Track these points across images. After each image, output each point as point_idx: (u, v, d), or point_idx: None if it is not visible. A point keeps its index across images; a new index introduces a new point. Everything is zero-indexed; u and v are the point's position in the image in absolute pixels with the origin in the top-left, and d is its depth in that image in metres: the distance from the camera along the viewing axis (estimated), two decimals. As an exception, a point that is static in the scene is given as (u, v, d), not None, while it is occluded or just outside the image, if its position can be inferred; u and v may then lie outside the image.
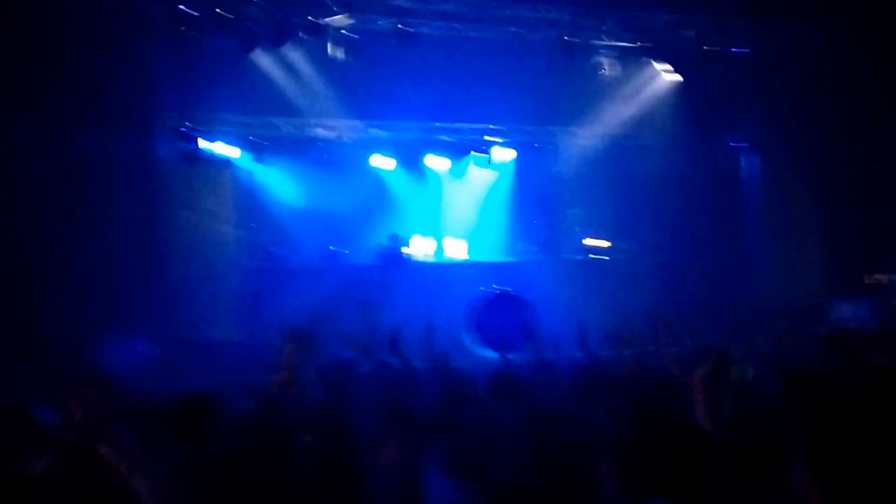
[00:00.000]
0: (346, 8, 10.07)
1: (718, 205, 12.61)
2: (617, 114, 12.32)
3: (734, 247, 12.54)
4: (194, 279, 10.12)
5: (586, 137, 12.72)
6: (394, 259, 10.52)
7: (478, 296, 10.19)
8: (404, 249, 11.02)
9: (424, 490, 3.65)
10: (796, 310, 10.69)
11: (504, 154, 12.49)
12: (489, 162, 12.39)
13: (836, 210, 12.11)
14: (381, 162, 11.98)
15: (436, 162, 12.42)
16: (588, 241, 11.81)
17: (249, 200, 11.30)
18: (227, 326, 10.07)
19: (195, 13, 9.28)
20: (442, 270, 11.10)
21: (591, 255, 11.70)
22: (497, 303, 10.12)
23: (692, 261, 12.02)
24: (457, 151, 12.40)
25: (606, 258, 11.70)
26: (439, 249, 11.73)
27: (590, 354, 6.34)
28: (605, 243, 11.77)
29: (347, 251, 11.10)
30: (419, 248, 11.32)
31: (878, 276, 10.69)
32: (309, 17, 10.05)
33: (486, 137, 12.42)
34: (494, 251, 12.30)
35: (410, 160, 12.23)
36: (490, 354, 8.76)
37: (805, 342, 7.78)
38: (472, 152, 12.40)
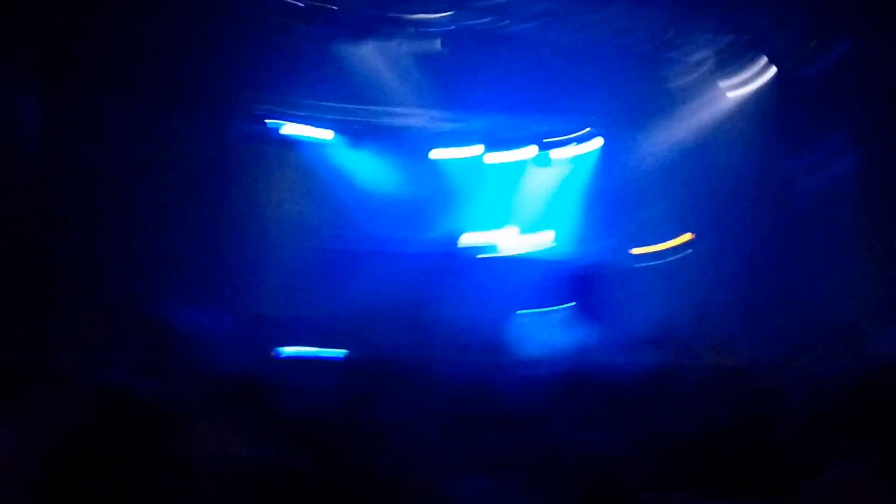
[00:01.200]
0: (445, 4, 9.98)
1: (800, 212, 12.09)
2: (703, 113, 11.99)
3: (815, 255, 12.03)
4: (265, 257, 10.52)
5: (672, 136, 12.43)
6: (462, 250, 10.70)
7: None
8: (471, 239, 11.14)
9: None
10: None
11: (580, 149, 12.40)
12: (563, 153, 12.26)
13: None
14: (461, 152, 12.06)
15: (515, 155, 12.41)
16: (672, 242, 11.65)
17: (323, 182, 11.57)
18: (293, 303, 10.44)
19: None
20: (516, 264, 11.18)
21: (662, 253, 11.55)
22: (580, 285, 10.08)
23: (768, 266, 11.67)
24: (536, 146, 12.39)
25: (690, 251, 11.52)
26: (505, 240, 11.78)
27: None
28: (687, 236, 11.59)
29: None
30: (486, 237, 11.43)
31: None
32: (399, 6, 10.02)
33: (555, 138, 12.47)
34: (566, 247, 12.30)
35: (493, 151, 12.26)
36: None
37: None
38: (545, 148, 12.42)
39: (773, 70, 11.60)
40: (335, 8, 9.90)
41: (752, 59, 11.59)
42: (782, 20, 11.23)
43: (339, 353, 7.78)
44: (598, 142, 12.54)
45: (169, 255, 9.22)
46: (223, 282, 9.52)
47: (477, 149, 12.30)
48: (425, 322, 8.71)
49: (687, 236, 11.65)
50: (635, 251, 12.03)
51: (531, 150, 12.55)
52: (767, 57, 11.55)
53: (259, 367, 5.91)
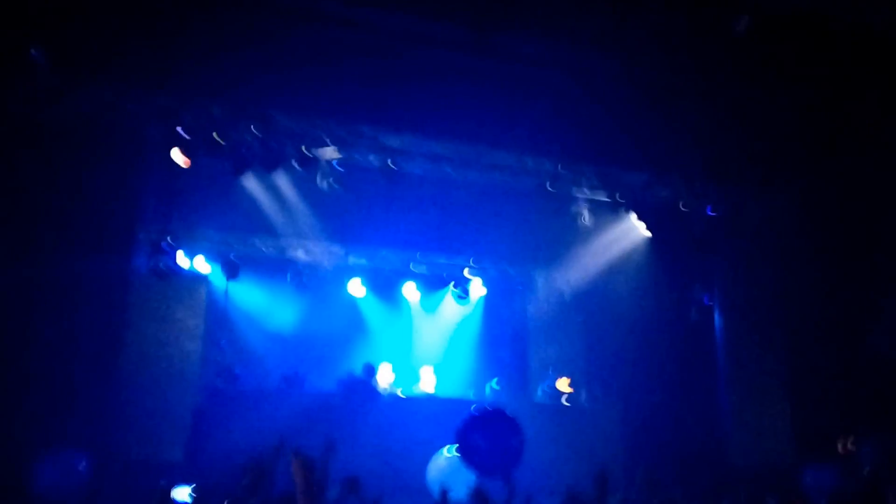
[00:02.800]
0: (338, 142, 10.17)
1: (686, 356, 12.62)
2: (592, 260, 12.58)
3: (703, 400, 12.40)
4: (149, 395, 9.82)
5: (559, 280, 12.78)
6: (359, 388, 10.18)
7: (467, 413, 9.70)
8: (370, 377, 10.70)
9: None
10: (764, 472, 10.43)
11: (476, 289, 12.50)
12: (461, 296, 12.34)
13: (805, 371, 12.12)
14: (356, 289, 11.90)
15: (409, 292, 12.37)
16: (557, 384, 11.55)
17: (220, 317, 11.09)
18: (176, 445, 9.62)
19: (187, 137, 9.31)
20: (408, 403, 10.77)
21: (557, 400, 11.40)
22: (488, 421, 9.30)
23: (656, 412, 11.93)
24: (431, 283, 12.45)
25: (568, 404, 11.44)
26: (401, 380, 11.38)
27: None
28: (567, 387, 11.54)
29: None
30: (384, 376, 11.01)
31: (848, 445, 10.48)
32: (301, 148, 10.06)
33: (466, 274, 12.42)
34: (459, 386, 12.03)
35: (386, 289, 12.21)
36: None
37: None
38: (452, 286, 12.52)
39: (644, 227, 12.05)
40: (227, 145, 9.69)
41: (626, 214, 12.08)
42: (652, 184, 11.94)
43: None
44: (481, 286, 12.55)
45: (49, 397, 8.31)
46: (106, 424, 8.58)
47: (363, 286, 12.06)
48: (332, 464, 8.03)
49: (565, 381, 11.60)
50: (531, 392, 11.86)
51: (421, 290, 12.43)
52: (638, 213, 12.06)
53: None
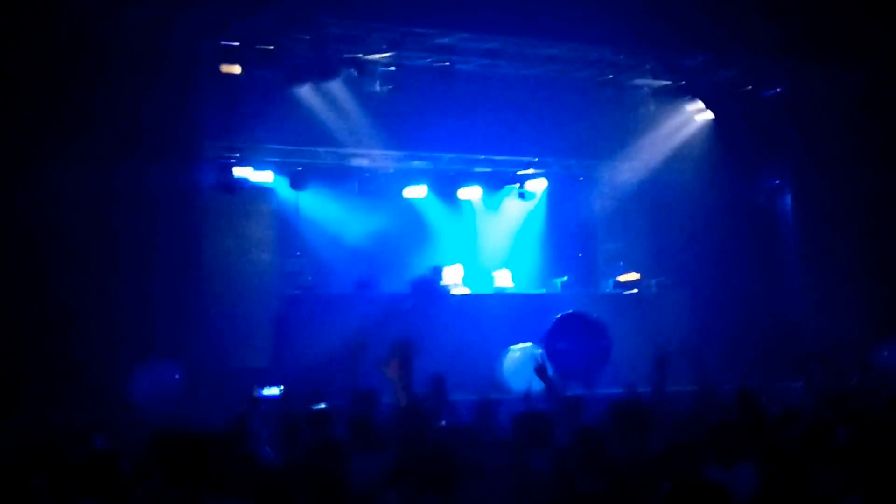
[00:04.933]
0: (392, 46, 10.17)
1: (754, 242, 12.64)
2: (653, 150, 12.47)
3: (770, 285, 12.52)
4: (229, 306, 10.32)
5: (623, 172, 12.81)
6: (430, 289, 10.50)
7: (550, 321, 10.00)
8: (440, 279, 10.99)
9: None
10: (834, 352, 10.51)
11: (538, 185, 12.56)
12: (522, 194, 12.44)
13: (874, 251, 12.12)
14: (416, 192, 12.09)
15: (471, 193, 12.52)
16: (621, 278, 11.70)
17: (288, 228, 11.44)
18: (260, 353, 10.12)
19: (236, 46, 9.43)
20: (479, 301, 11.08)
21: (625, 291, 11.58)
22: (571, 327, 9.87)
23: (727, 297, 12.00)
24: (493, 183, 12.56)
25: (636, 290, 11.60)
26: (471, 278, 11.66)
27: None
28: (635, 275, 11.69)
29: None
30: (453, 277, 11.29)
31: None
32: (354, 54, 10.11)
33: (521, 172, 12.60)
34: (528, 283, 12.26)
35: (447, 191, 12.37)
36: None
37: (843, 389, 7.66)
38: (507, 185, 12.57)
39: (709, 113, 11.93)
40: (272, 48, 9.78)
41: (692, 100, 11.95)
42: (715, 66, 11.68)
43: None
44: (544, 181, 12.60)
45: (134, 311, 8.85)
46: (182, 334, 9.05)
47: (426, 188, 12.33)
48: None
49: (634, 275, 11.73)
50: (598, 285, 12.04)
51: (484, 189, 12.55)
52: (703, 99, 11.88)
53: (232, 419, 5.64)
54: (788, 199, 12.93)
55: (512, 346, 9.92)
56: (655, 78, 11.91)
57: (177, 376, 8.76)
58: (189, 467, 3.25)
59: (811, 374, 8.92)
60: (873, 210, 12.21)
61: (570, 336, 9.71)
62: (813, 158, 12.55)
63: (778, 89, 12.43)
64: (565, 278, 11.72)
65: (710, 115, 12.18)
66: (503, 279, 11.73)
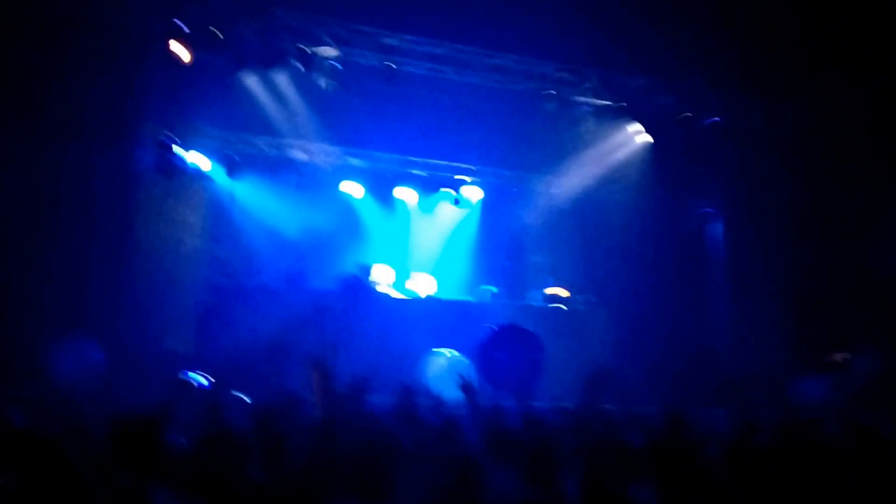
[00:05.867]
0: (337, 41, 10.55)
1: (683, 267, 13.26)
2: (590, 167, 13.19)
3: (696, 311, 13.12)
4: (156, 289, 10.59)
5: (558, 187, 13.34)
6: (358, 288, 10.83)
7: (484, 330, 10.41)
8: (368, 278, 11.34)
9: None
10: (753, 383, 11.04)
11: (473, 193, 13.02)
12: (457, 200, 12.91)
13: (801, 284, 12.81)
14: (352, 188, 12.46)
15: (406, 194, 12.96)
16: (549, 290, 12.20)
17: (221, 215, 11.70)
18: (182, 339, 10.33)
19: (187, 29, 9.66)
20: (406, 304, 11.47)
21: (551, 304, 12.07)
22: (507, 337, 10.18)
23: (652, 320, 12.60)
24: (429, 186, 13.09)
25: (565, 307, 12.10)
26: (399, 280, 12.06)
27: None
28: (564, 292, 12.20)
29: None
30: (382, 277, 11.66)
31: (837, 355, 11.11)
32: (300, 45, 10.42)
33: (458, 176, 13.19)
34: (456, 289, 12.71)
35: (382, 190, 12.86)
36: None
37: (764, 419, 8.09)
38: (442, 189, 13.13)
39: (648, 136, 12.51)
40: (222, 36, 10.04)
41: (630, 121, 12.55)
42: (656, 90, 12.31)
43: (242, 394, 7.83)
44: (479, 191, 13.13)
45: (64, 290, 9.11)
46: (117, 316, 9.40)
47: (362, 188, 12.84)
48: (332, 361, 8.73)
49: (564, 292, 12.20)
50: (525, 297, 12.48)
51: (420, 193, 12.99)
52: (641, 122, 12.49)
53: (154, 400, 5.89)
54: (720, 227, 13.58)
55: (435, 350, 10.30)
56: (597, 97, 12.56)
57: (100, 356, 8.93)
58: (141, 450, 3.46)
59: (730, 403, 9.37)
60: (802, 243, 12.88)
61: (507, 347, 10.09)
62: (747, 187, 13.23)
63: (716, 118, 13.07)
64: (495, 289, 12.16)
65: (648, 138, 12.78)
66: (426, 284, 12.14)
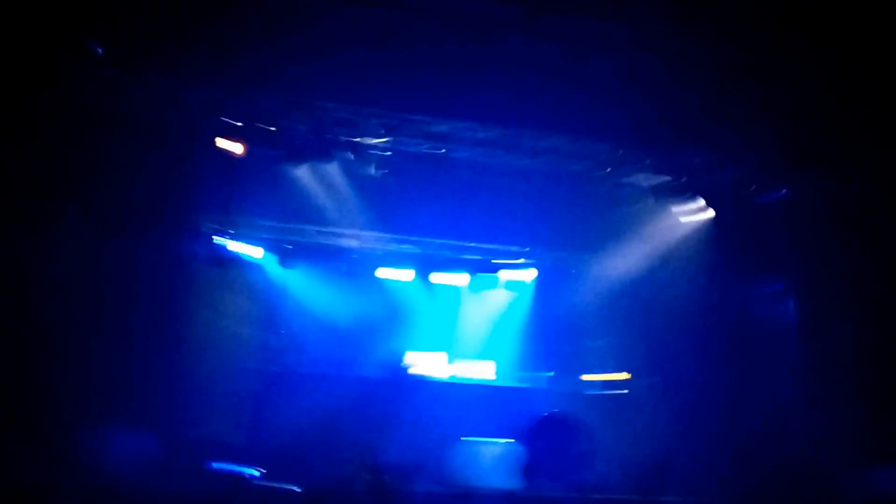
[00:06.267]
0: (389, 131, 10.82)
1: (750, 348, 12.73)
2: (648, 246, 13.05)
3: (765, 394, 12.55)
4: (205, 378, 10.75)
5: (615, 267, 13.22)
6: (404, 373, 10.90)
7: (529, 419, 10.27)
8: (413, 367, 11.40)
9: None
10: (825, 472, 10.55)
11: (523, 275, 13.04)
12: (510, 284, 12.93)
13: (877, 365, 12.15)
14: (400, 274, 12.60)
15: (455, 279, 13.08)
16: (608, 376, 12.00)
17: (272, 303, 11.98)
18: (232, 428, 10.52)
19: (238, 123, 10.11)
20: (455, 389, 11.42)
21: (608, 390, 11.85)
22: (552, 426, 10.07)
23: (717, 403, 12.19)
24: (483, 270, 13.06)
25: (626, 391, 11.85)
26: (451, 365, 12.09)
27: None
28: (624, 375, 11.98)
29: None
30: (428, 362, 11.70)
31: None
32: (351, 137, 10.88)
33: (498, 261, 13.42)
34: (508, 374, 12.61)
35: (428, 272, 12.87)
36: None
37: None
38: (495, 273, 13.32)
39: (711, 210, 12.32)
40: (273, 129, 10.45)
41: (691, 198, 12.36)
42: (716, 166, 12.16)
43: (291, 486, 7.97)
44: (533, 272, 13.06)
45: (108, 377, 9.46)
46: (166, 404, 9.75)
47: (413, 272, 13.06)
48: (372, 448, 8.82)
49: (624, 375, 11.99)
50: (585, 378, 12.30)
51: (471, 276, 13.04)
52: (703, 198, 12.30)
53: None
54: (791, 305, 13.14)
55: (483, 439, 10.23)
56: (654, 173, 12.41)
57: (155, 445, 9.15)
58: None
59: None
60: (877, 321, 12.36)
61: (551, 436, 9.96)
62: (818, 264, 12.79)
63: (782, 191, 12.79)
64: (552, 374, 12.03)
65: (709, 214, 12.56)
66: (486, 371, 12.11)
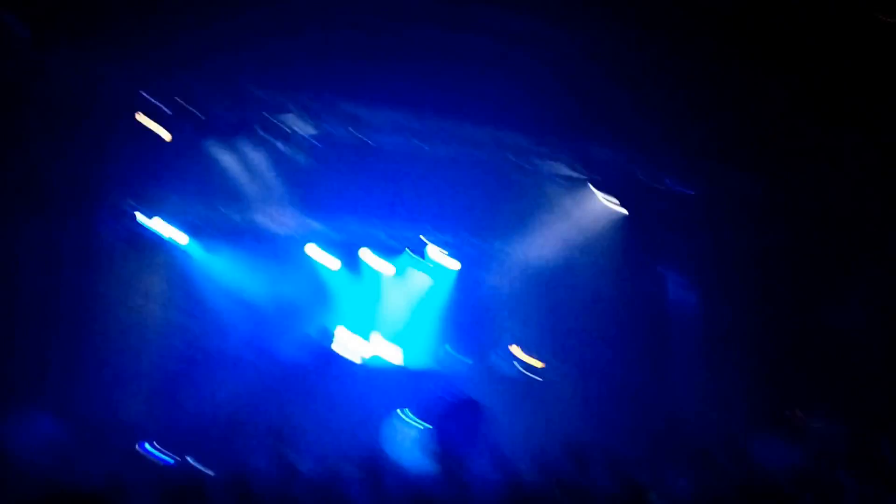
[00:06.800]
0: (308, 112, 11.06)
1: (653, 335, 13.51)
2: (562, 237, 13.58)
3: (666, 379, 13.30)
4: (118, 358, 10.98)
5: (529, 256, 13.69)
6: (323, 355, 11.23)
7: (433, 400, 10.83)
8: (334, 345, 11.72)
9: None
10: (718, 444, 11.28)
11: (443, 261, 13.48)
12: (428, 269, 13.31)
13: (767, 349, 13.09)
14: (322, 256, 12.97)
15: (374, 260, 13.68)
16: (519, 354, 12.54)
17: (186, 283, 12.12)
18: (144, 409, 10.66)
19: (156, 101, 10.21)
20: (371, 370, 11.80)
21: (523, 372, 12.40)
22: (456, 409, 10.56)
23: (621, 387, 12.95)
24: (398, 254, 13.68)
25: (539, 378, 12.42)
26: (366, 346, 12.45)
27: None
28: (538, 363, 12.55)
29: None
30: (348, 344, 12.03)
31: (798, 413, 11.41)
32: (268, 116, 11.01)
33: (423, 238, 13.75)
34: (424, 358, 13.04)
35: (350, 256, 13.21)
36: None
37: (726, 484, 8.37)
38: (408, 251, 13.77)
39: (615, 204, 13.10)
40: (199, 114, 10.62)
41: (603, 194, 12.98)
42: (630, 162, 12.91)
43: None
44: (456, 262, 13.72)
45: (26, 361, 9.58)
46: (84, 388, 9.90)
47: (337, 259, 13.37)
48: (294, 430, 9.20)
49: (538, 363, 12.54)
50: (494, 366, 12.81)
51: (393, 260, 13.51)
52: (617, 191, 12.92)
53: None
54: (693, 296, 13.95)
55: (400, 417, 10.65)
56: (570, 169, 12.97)
57: (57, 429, 9.25)
58: None
59: (696, 471, 9.67)
60: (770, 310, 13.22)
61: (458, 418, 10.45)
62: (722, 259, 13.57)
63: (691, 191, 13.51)
64: (470, 361, 12.53)
65: (621, 209, 13.19)
66: (392, 353, 12.52)
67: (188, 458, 8.83)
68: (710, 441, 11.75)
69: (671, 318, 13.98)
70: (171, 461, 9.10)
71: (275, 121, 11.21)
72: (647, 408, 12.78)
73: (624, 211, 13.12)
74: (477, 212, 12.96)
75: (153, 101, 10.37)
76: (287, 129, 11.31)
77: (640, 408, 12.73)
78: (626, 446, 11.17)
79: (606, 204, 13.16)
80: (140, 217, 10.89)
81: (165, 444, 9.23)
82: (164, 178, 11.21)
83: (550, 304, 13.87)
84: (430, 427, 10.34)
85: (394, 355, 12.66)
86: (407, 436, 10.28)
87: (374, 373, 11.86)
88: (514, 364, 12.67)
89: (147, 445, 9.03)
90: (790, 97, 12.14)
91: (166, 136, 10.29)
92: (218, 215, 12.48)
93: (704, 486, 8.52)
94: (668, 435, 12.46)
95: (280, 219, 12.77)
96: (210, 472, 8.23)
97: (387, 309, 13.86)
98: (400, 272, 14.01)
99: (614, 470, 8.81)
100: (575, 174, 12.95)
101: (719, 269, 13.64)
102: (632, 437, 11.80)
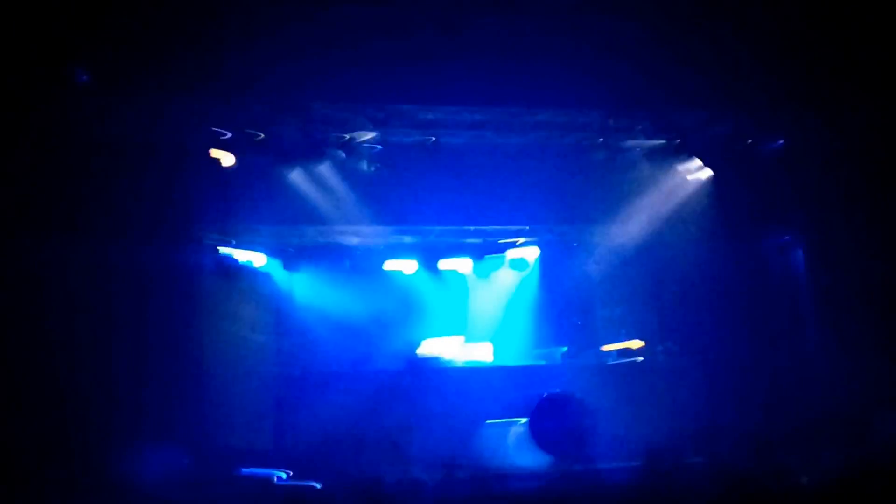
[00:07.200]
0: (375, 123, 11.14)
1: (761, 303, 12.97)
2: (650, 211, 13.36)
3: (781, 347, 12.79)
4: (224, 388, 11.23)
5: (619, 235, 13.48)
6: (418, 363, 11.28)
7: (534, 400, 10.60)
8: (426, 351, 11.75)
9: None
10: (845, 419, 10.77)
11: (528, 253, 13.31)
12: (515, 264, 13.22)
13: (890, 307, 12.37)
14: (402, 266, 13.25)
15: (459, 264, 13.76)
16: (620, 345, 12.28)
17: (282, 308, 12.38)
18: (256, 435, 10.88)
19: (228, 133, 10.47)
20: (471, 374, 11.76)
21: (624, 359, 12.13)
22: (555, 405, 10.39)
23: (737, 363, 12.43)
24: (484, 253, 13.50)
25: (640, 359, 12.13)
26: (462, 351, 12.44)
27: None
28: (637, 343, 12.25)
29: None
30: (441, 349, 12.04)
31: None
32: (341, 134, 11.21)
33: (510, 239, 13.76)
34: (522, 353, 12.93)
35: (434, 263, 13.26)
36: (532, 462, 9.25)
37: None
38: (490, 254, 13.85)
39: (709, 169, 12.54)
40: (262, 136, 10.81)
41: (688, 158, 12.59)
42: (710, 122, 12.43)
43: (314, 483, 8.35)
44: (536, 249, 13.67)
45: (127, 393, 9.91)
46: (187, 417, 10.22)
47: (416, 263, 13.61)
48: (399, 441, 9.26)
49: (638, 343, 12.24)
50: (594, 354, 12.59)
51: (475, 260, 13.45)
52: (700, 157, 12.56)
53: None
54: (797, 254, 13.36)
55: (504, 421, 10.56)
56: (648, 138, 12.71)
57: (187, 459, 9.52)
58: None
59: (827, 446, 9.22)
60: (887, 259, 12.52)
61: (556, 416, 10.28)
62: (823, 211, 12.95)
63: (780, 141, 12.98)
64: (565, 349, 12.35)
65: (708, 172, 12.78)
66: (484, 352, 12.45)
67: (311, 482, 8.99)
68: (850, 415, 11.22)
69: (779, 282, 13.43)
70: (284, 476, 9.30)
71: (339, 133, 11.41)
72: (774, 385, 12.11)
73: (709, 174, 12.83)
74: (556, 199, 12.76)
75: (218, 130, 10.67)
76: (352, 141, 11.49)
77: (768, 386, 12.07)
78: (762, 427, 10.79)
79: (690, 171, 12.88)
80: (223, 248, 11.16)
81: (276, 465, 9.42)
82: (240, 206, 11.50)
83: (646, 283, 13.64)
84: (533, 424, 10.21)
85: (487, 356, 12.59)
86: (512, 436, 10.20)
87: (471, 375, 11.79)
88: (614, 352, 12.40)
89: (262, 469, 9.25)
90: (869, 39, 11.66)
91: (230, 160, 10.57)
92: (302, 238, 12.80)
93: (851, 463, 8.13)
94: (804, 412, 11.96)
95: (358, 232, 12.93)
96: (316, 485, 8.39)
97: (475, 310, 13.88)
98: (483, 271, 14.01)
99: (757, 451, 8.50)
100: (651, 145, 12.69)
101: (823, 223, 13.05)
102: (767, 417, 11.41)
